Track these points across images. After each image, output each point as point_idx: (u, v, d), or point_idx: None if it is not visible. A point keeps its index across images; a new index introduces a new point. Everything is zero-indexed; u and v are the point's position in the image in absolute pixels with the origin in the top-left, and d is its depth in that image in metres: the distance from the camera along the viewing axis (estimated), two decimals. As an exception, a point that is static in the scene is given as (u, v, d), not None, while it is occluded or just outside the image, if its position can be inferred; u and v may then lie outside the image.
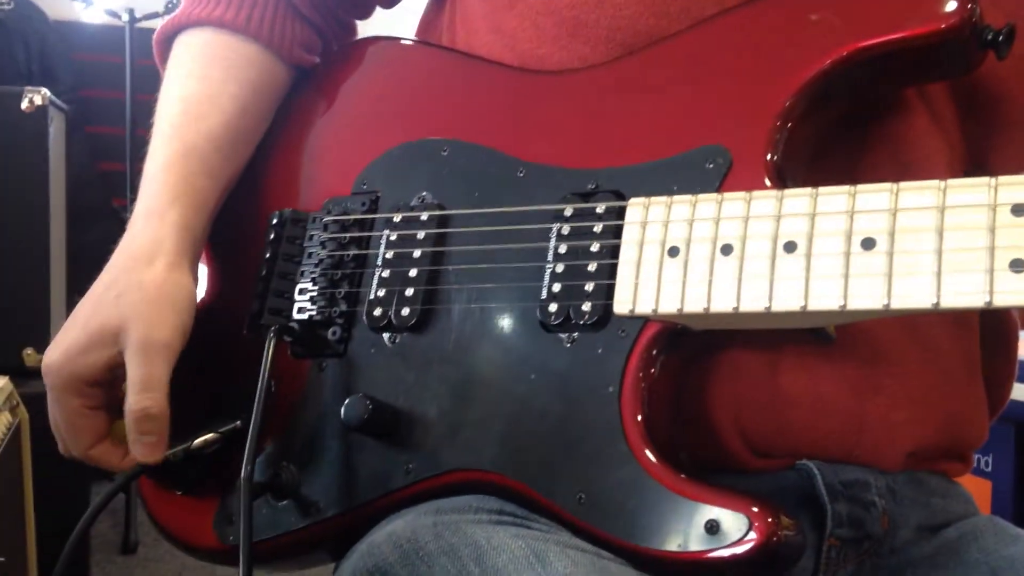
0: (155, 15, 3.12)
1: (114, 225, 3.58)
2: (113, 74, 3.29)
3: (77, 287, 2.50)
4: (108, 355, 0.83)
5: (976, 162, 0.84)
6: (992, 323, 0.88)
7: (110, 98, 3.45)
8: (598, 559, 0.68)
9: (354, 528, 0.81)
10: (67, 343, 0.84)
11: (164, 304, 0.84)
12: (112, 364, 0.83)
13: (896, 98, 0.80)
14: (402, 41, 0.98)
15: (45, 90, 2.03)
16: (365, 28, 1.08)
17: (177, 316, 0.85)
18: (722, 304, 0.69)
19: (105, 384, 0.85)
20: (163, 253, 0.86)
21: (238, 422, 0.86)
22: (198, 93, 0.94)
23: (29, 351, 1.98)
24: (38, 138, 2.03)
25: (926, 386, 0.80)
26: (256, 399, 0.81)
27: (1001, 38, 0.71)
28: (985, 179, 0.62)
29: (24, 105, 1.99)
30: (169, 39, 1.00)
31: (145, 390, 0.81)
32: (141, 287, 0.84)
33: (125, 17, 3.09)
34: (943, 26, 0.69)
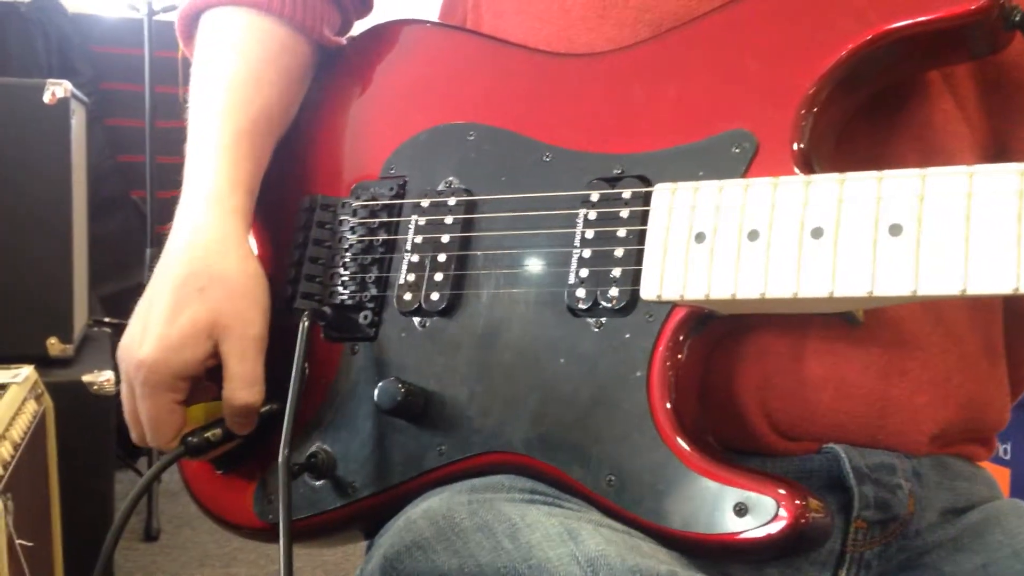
0: (173, 8, 3.13)
1: (132, 217, 3.59)
2: (132, 67, 3.31)
3: (96, 278, 2.52)
4: (204, 350, 0.85)
5: (1000, 150, 0.84)
6: (1013, 305, 0.88)
7: (129, 90, 3.46)
8: (629, 537, 0.69)
9: (388, 507, 0.82)
10: (158, 339, 0.84)
11: (251, 299, 0.87)
12: (206, 358, 0.85)
13: (921, 85, 0.80)
14: (428, 24, 0.98)
15: (67, 83, 2.04)
16: (383, 2, 1.08)
17: (263, 309, 0.88)
18: (749, 290, 0.69)
19: (196, 378, 0.87)
20: (235, 244, 0.88)
21: (275, 404, 0.88)
22: (240, 75, 0.94)
23: (53, 340, 2.00)
24: (60, 130, 2.05)
25: (948, 369, 0.81)
26: (292, 382, 0.83)
27: None
28: (1014, 165, 0.62)
29: (46, 98, 2.00)
30: (196, 17, 1.00)
31: (250, 385, 0.85)
32: (225, 281, 0.86)
33: (144, 10, 3.10)
34: (971, 7, 0.68)
